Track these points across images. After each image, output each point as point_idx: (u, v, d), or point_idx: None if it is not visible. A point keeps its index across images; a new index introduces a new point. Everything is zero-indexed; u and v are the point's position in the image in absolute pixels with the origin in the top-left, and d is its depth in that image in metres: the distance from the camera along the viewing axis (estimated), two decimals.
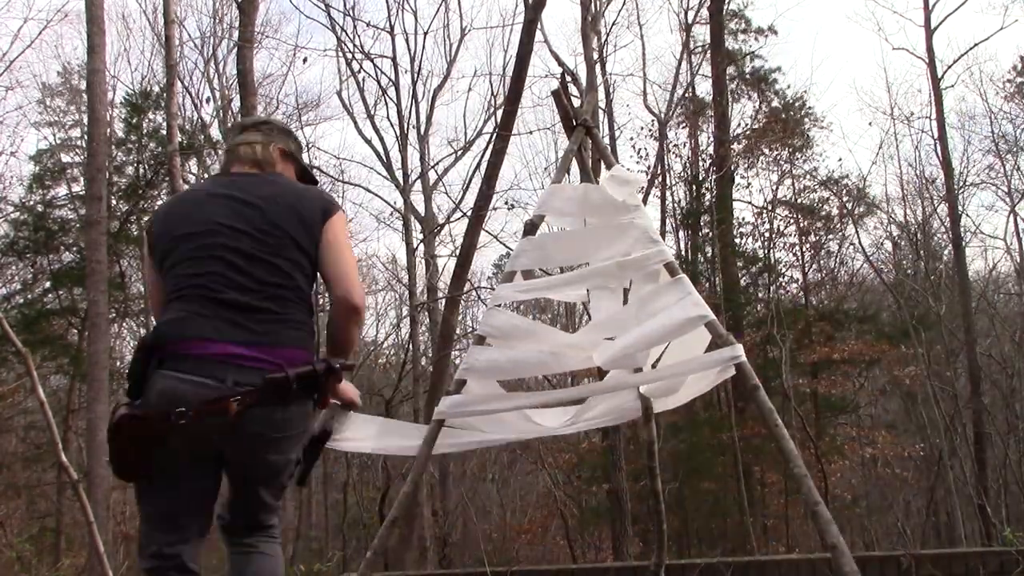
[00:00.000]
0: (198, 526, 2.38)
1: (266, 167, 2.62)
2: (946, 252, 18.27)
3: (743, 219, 17.04)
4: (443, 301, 11.41)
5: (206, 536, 2.42)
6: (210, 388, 2.22)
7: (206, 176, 15.72)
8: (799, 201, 17.02)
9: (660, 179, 15.63)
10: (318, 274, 2.52)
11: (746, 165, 16.98)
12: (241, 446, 2.32)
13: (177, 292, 2.37)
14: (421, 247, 15.03)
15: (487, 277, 20.93)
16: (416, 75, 16.10)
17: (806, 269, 16.81)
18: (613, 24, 15.90)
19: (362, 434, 3.30)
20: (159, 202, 16.20)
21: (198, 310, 2.31)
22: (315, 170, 17.52)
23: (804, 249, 16.67)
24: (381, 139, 16.20)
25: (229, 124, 17.75)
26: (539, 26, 9.59)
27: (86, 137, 13.94)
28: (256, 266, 2.37)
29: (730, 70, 17.61)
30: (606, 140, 14.58)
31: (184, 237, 2.43)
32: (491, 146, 10.68)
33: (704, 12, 16.47)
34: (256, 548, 2.50)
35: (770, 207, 16.83)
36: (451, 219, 15.72)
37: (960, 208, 17.16)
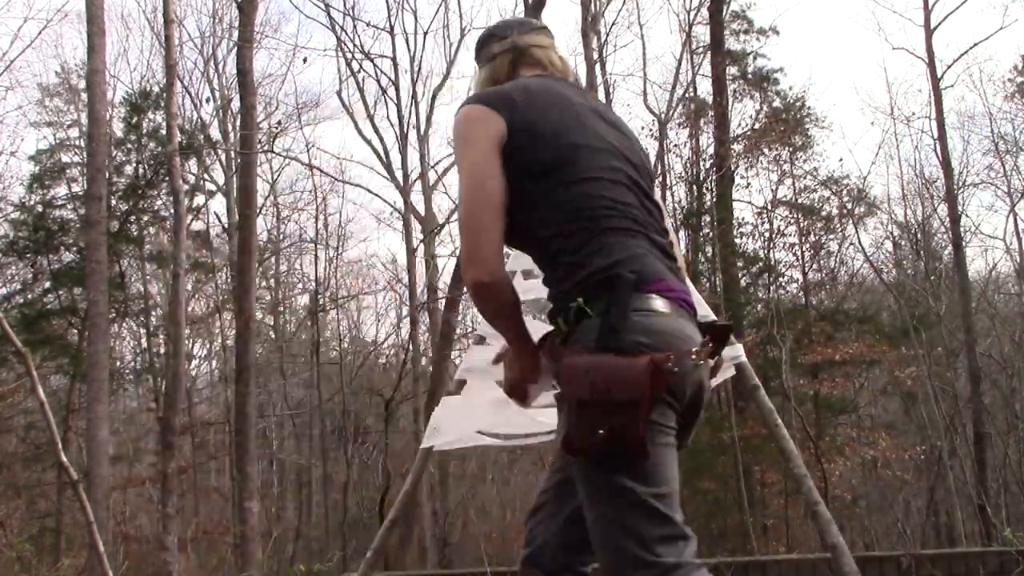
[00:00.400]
0: None
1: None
2: (946, 252, 18.28)
3: (743, 219, 17.06)
4: (443, 301, 11.42)
5: None
6: (697, 333, 1.88)
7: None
8: (799, 201, 17.02)
9: (660, 179, 15.64)
10: None
11: (746, 165, 16.99)
12: (698, 402, 1.93)
13: (593, 216, 1.88)
14: (421, 247, 15.03)
15: None
16: (416, 75, 16.15)
17: (806, 269, 16.82)
18: (613, 24, 15.94)
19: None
20: (158, 203, 16.22)
21: (646, 247, 1.90)
22: (315, 170, 17.60)
23: (804, 249, 16.68)
24: (381, 139, 16.23)
25: (229, 124, 17.80)
26: None
27: (86, 137, 13.95)
28: (653, 207, 2.00)
29: (732, 70, 17.62)
30: None
31: (582, 149, 1.94)
32: None
33: (704, 12, 16.50)
34: None
35: (770, 207, 16.84)
36: (451, 219, 15.72)
37: (960, 208, 17.18)
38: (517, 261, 3.68)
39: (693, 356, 1.77)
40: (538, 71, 2.14)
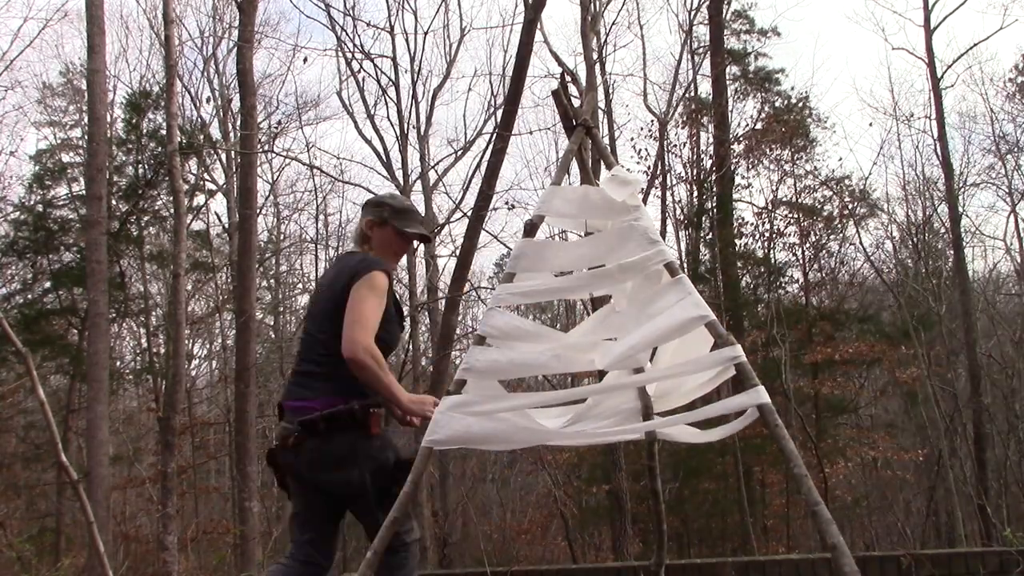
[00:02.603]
0: None
1: (361, 243, 3.39)
2: (947, 252, 18.27)
3: (743, 219, 17.05)
4: (443, 301, 11.41)
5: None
6: (287, 429, 3.09)
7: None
8: (800, 201, 17.01)
9: (660, 179, 15.64)
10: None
11: (747, 166, 16.98)
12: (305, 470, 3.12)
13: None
14: (421, 247, 15.02)
15: (487, 277, 20.98)
16: (416, 75, 16.09)
17: (807, 269, 16.80)
18: (613, 24, 15.92)
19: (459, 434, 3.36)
20: (158, 203, 16.24)
21: (289, 379, 3.27)
22: (315, 170, 17.61)
23: (805, 249, 16.66)
24: (381, 139, 16.20)
25: (229, 124, 17.80)
26: (539, 26, 9.59)
27: (86, 137, 13.95)
28: (316, 341, 3.17)
29: (733, 70, 17.61)
30: (606, 140, 14.59)
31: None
32: (491, 146, 10.67)
33: (704, 12, 16.50)
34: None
35: (771, 207, 16.82)
36: (451, 219, 15.71)
37: (961, 208, 17.16)
38: (516, 263, 3.66)
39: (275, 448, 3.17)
40: (351, 248, 3.46)
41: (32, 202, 16.38)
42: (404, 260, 17.81)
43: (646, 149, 15.68)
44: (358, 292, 3.09)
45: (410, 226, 3.42)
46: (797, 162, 17.03)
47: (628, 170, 3.91)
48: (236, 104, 15.27)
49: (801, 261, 16.69)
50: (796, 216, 16.68)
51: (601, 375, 4.36)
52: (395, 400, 3.12)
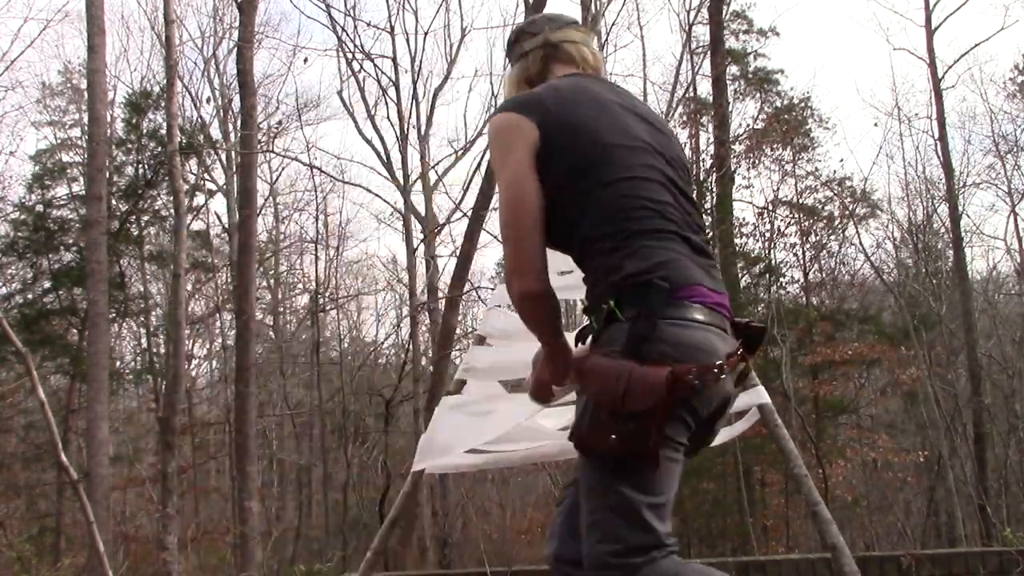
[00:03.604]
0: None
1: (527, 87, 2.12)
2: (947, 252, 18.27)
3: (743, 219, 17.05)
4: (443, 301, 11.41)
5: None
6: (729, 342, 1.84)
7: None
8: (800, 202, 17.01)
9: None
10: None
11: (748, 165, 16.97)
12: (722, 410, 1.90)
13: (628, 218, 1.84)
14: (421, 247, 15.03)
15: (487, 277, 20.97)
16: (416, 75, 16.09)
17: (807, 269, 16.80)
18: (613, 24, 15.92)
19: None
20: (158, 203, 16.22)
21: (681, 249, 1.85)
22: (315, 170, 17.62)
23: (805, 249, 16.67)
24: (381, 139, 16.20)
25: (229, 124, 17.81)
26: None
27: (86, 137, 13.96)
28: (688, 203, 1.96)
29: (733, 70, 17.61)
30: None
31: (617, 148, 1.90)
32: None
33: (704, 12, 16.50)
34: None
35: (771, 207, 16.82)
36: (451, 219, 15.71)
37: (961, 208, 17.16)
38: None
39: (717, 371, 1.74)
40: (570, 68, 2.10)
41: (32, 202, 16.39)
42: (404, 259, 17.89)
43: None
44: None
45: None
46: (798, 162, 17.03)
47: None
48: (236, 104, 15.28)
49: (801, 261, 16.70)
50: (796, 216, 16.69)
51: None
52: None
